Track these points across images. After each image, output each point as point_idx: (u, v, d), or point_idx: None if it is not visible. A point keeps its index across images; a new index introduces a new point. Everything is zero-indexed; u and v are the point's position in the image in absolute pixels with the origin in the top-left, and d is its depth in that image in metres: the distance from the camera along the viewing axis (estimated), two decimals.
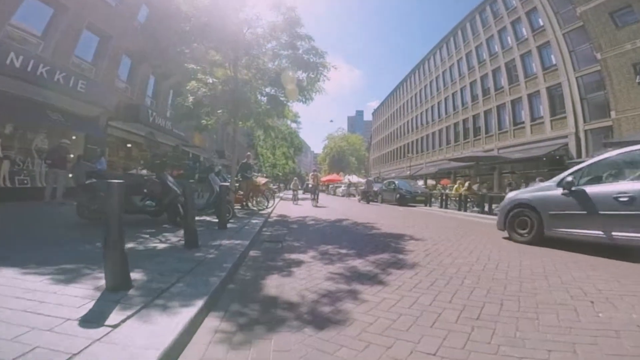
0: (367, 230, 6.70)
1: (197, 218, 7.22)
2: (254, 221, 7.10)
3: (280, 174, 44.85)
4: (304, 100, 10.37)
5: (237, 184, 10.01)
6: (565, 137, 20.83)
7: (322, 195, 28.47)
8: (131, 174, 10.72)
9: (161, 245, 4.05)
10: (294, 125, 28.40)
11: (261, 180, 9.88)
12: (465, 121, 31.75)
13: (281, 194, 28.34)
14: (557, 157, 20.78)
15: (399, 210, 13.56)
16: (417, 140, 41.80)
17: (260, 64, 9.93)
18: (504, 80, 27.40)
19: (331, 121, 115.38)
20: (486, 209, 12.22)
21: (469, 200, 13.43)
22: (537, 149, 21.96)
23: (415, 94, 43.62)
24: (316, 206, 14.86)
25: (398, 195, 16.90)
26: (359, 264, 3.73)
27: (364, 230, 6.71)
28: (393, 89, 53.17)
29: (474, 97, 30.84)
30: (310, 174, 17.94)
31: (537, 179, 11.02)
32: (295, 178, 21.01)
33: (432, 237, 5.78)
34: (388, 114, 55.17)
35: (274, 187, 19.59)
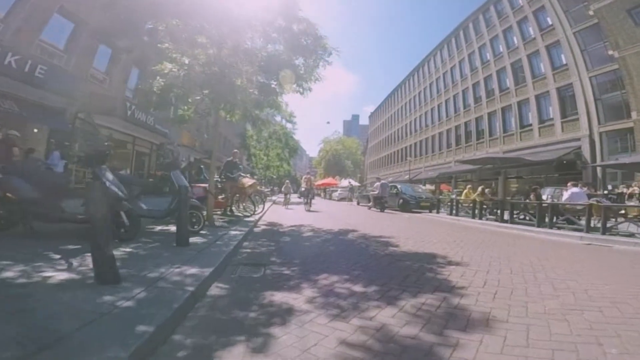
0: (383, 247, 5.12)
1: (158, 228, 5.65)
2: (233, 232, 5.51)
3: (274, 176, 43.23)
4: (300, 91, 8.84)
5: (219, 186, 8.41)
6: (578, 139, 19.57)
7: (317, 199, 26.97)
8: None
9: (61, 278, 2.44)
10: (289, 125, 26.91)
11: (248, 181, 8.28)
12: (467, 124, 30.51)
13: (274, 198, 26.78)
14: (565, 162, 19.49)
15: (405, 217, 12.06)
16: (415, 143, 40.53)
17: (249, 47, 8.41)
18: (509, 82, 26.23)
19: (328, 123, 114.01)
20: (505, 216, 10.87)
21: (484, 207, 11.99)
22: (547, 153, 20.66)
23: (414, 97, 42.45)
24: (309, 211, 13.81)
25: (401, 201, 15.41)
26: (391, 317, 2.18)
27: (378, 247, 5.14)
28: (391, 92, 52.03)
29: (477, 99, 29.65)
30: (304, 177, 16.58)
31: (569, 184, 9.57)
32: (287, 181, 19.39)
33: (475, 259, 4.24)
34: (385, 116, 53.97)
35: (266, 189, 17.99)
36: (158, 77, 7.38)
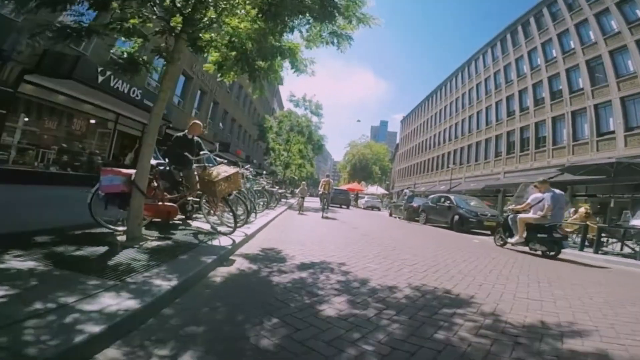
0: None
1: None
2: (154, 285, 2.11)
3: (296, 177, 39.79)
4: (334, 41, 5.29)
5: (153, 179, 4.82)
6: None
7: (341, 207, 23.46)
8: None
9: None
10: (315, 119, 23.57)
11: (221, 171, 4.63)
12: (523, 129, 25.91)
13: (292, 201, 23.38)
14: None
15: (473, 242, 8.26)
16: (455, 150, 36.01)
17: None
18: (583, 82, 21.61)
19: (358, 121, 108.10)
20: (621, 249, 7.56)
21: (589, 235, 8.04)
22: None
23: (456, 99, 37.99)
24: (326, 217, 11.89)
25: (457, 217, 11.54)
26: None
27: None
28: (427, 95, 47.62)
29: (537, 101, 25.04)
30: (322, 180, 14.08)
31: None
32: (303, 183, 16.56)
33: None
34: (420, 121, 49.54)
35: (279, 189, 14.68)
36: None
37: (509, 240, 7.36)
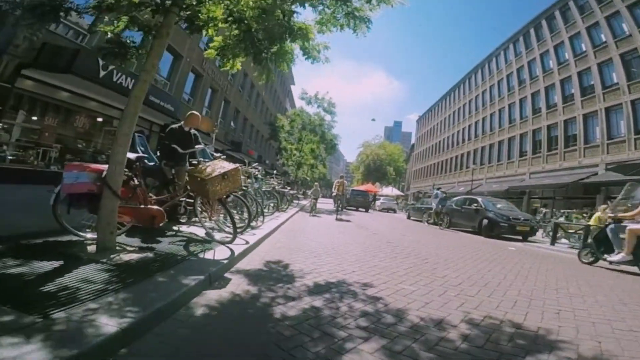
0: None
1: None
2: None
3: (308, 178, 38.95)
4: (352, 23, 4.51)
5: (132, 177, 3.98)
6: None
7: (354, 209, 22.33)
8: None
9: None
10: (328, 117, 22.70)
11: (216, 167, 3.82)
12: (550, 127, 24.34)
13: (305, 202, 22.58)
14: None
15: (509, 250, 7.24)
16: (475, 150, 34.45)
17: None
18: (617, 76, 20.01)
19: (373, 120, 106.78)
20: None
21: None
22: None
23: (476, 97, 36.40)
24: (340, 219, 11.51)
25: (486, 221, 10.47)
26: None
27: None
28: (445, 93, 46.01)
29: (565, 98, 23.46)
30: (336, 181, 13.53)
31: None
32: (316, 184, 15.88)
33: None
34: (437, 120, 47.97)
35: (290, 190, 13.95)
36: None
37: (610, 258, 5.51)
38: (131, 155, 3.78)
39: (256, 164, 8.52)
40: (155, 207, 3.73)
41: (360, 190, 26.68)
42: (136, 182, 3.72)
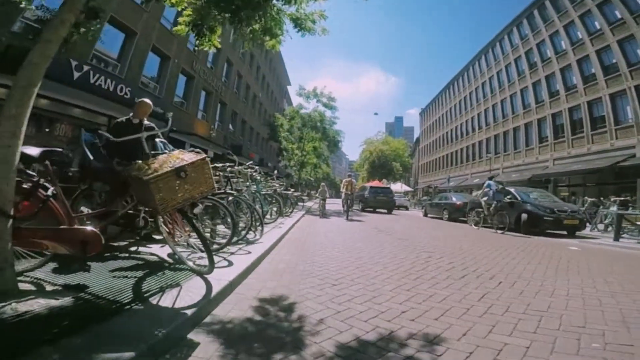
0: None
1: None
2: None
3: (312, 178, 37.38)
4: None
5: (35, 185, 2.32)
6: None
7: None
8: None
9: None
10: (328, 113, 21.19)
11: (171, 161, 2.42)
12: (572, 110, 22.54)
13: (310, 204, 21.08)
14: None
15: (573, 252, 5.68)
16: (488, 139, 32.59)
17: None
18: None
19: (376, 114, 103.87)
20: None
21: None
22: None
23: (484, 83, 34.51)
24: (351, 220, 11.09)
25: (525, 216, 8.85)
26: None
27: None
28: (450, 80, 44.03)
29: (585, 79, 21.66)
30: (344, 181, 12.63)
31: None
32: (323, 184, 14.63)
33: None
34: (443, 110, 46.08)
35: (294, 192, 12.59)
36: None
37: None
38: (32, 151, 2.41)
39: (250, 162, 7.08)
40: (88, 227, 2.26)
41: (381, 187, 22.66)
42: (48, 191, 2.30)
